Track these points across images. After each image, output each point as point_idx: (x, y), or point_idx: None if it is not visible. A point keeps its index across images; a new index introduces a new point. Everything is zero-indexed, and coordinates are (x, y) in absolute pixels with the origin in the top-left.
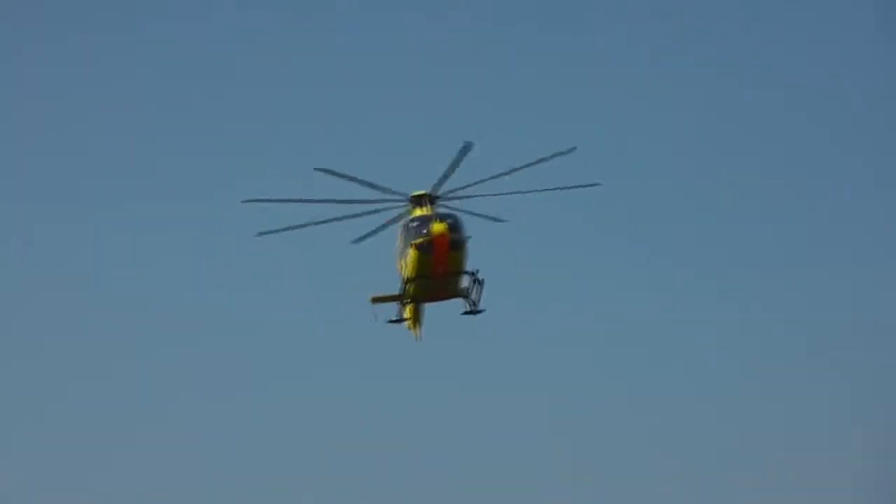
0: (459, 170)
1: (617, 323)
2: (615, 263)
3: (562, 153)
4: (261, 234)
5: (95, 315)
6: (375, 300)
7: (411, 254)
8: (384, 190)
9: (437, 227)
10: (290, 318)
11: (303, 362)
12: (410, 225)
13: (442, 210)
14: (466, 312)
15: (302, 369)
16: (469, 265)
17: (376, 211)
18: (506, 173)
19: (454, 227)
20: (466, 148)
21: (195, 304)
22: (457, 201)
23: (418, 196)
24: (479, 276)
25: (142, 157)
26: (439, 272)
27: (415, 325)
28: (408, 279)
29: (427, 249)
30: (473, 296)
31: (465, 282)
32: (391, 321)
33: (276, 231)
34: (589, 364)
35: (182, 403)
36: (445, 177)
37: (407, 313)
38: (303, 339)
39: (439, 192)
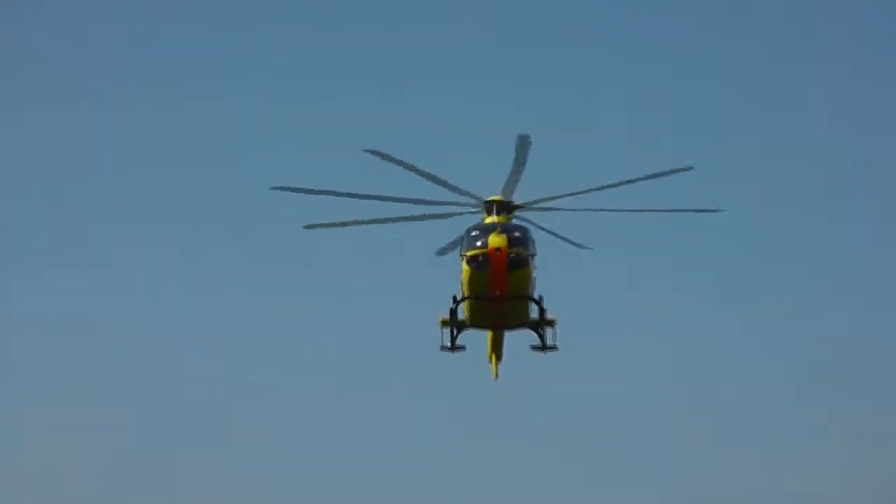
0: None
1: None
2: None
3: (679, 170)
4: (309, 226)
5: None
6: (446, 323)
7: (464, 269)
8: (456, 190)
9: (495, 240)
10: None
11: (349, 389)
12: (470, 234)
13: (518, 222)
14: (535, 347)
15: (347, 397)
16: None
17: (443, 216)
18: (610, 186)
19: (518, 240)
20: (524, 144)
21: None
22: (543, 213)
23: (491, 202)
24: (544, 304)
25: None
26: (496, 293)
27: (493, 359)
28: (461, 299)
29: (481, 265)
30: (542, 328)
31: (533, 309)
32: (444, 347)
33: (325, 225)
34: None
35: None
36: (513, 181)
37: (488, 347)
38: (353, 361)
39: (518, 201)
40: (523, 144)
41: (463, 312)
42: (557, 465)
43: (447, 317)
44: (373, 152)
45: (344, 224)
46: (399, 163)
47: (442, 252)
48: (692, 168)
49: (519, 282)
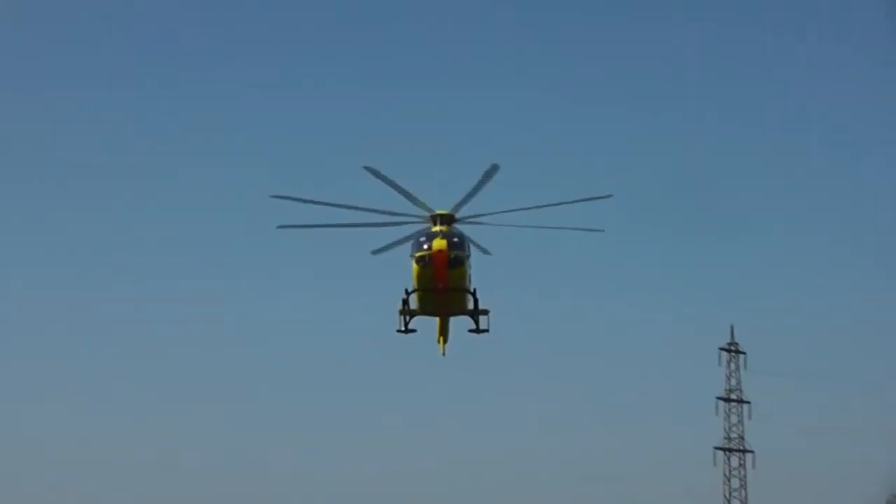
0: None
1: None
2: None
3: (597, 198)
4: (281, 226)
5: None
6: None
7: (413, 267)
8: (417, 203)
9: (437, 244)
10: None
11: (321, 362)
12: (419, 240)
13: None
14: (471, 330)
15: (320, 370)
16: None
17: (397, 224)
18: (531, 208)
19: (456, 245)
20: (492, 171)
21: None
22: (476, 226)
23: (438, 215)
24: (477, 295)
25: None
26: (439, 287)
27: (440, 340)
28: (412, 291)
29: (427, 264)
30: (476, 314)
31: (470, 300)
32: (399, 331)
33: (297, 227)
34: None
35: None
36: (468, 198)
37: (437, 331)
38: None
39: (460, 215)
40: (491, 172)
41: (414, 302)
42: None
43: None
44: (370, 170)
45: (314, 226)
46: (391, 184)
47: (377, 251)
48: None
49: (457, 277)
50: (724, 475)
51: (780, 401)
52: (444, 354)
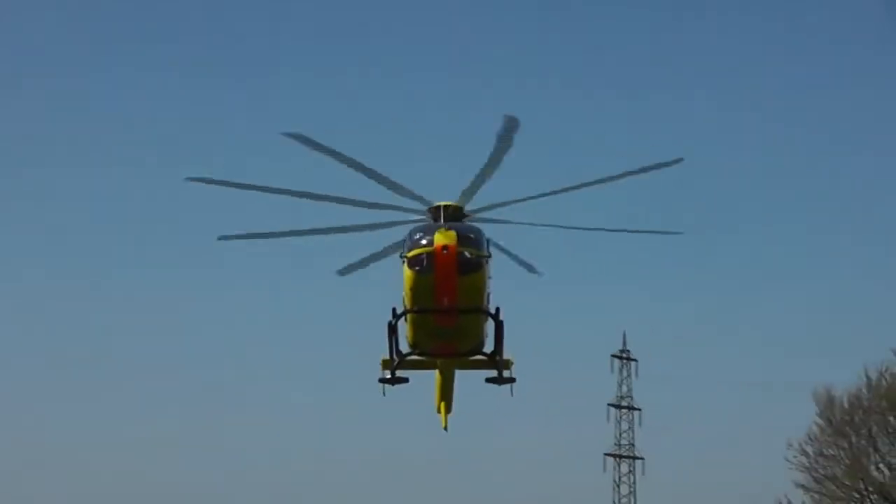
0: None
1: None
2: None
3: (666, 164)
4: (222, 237)
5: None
6: (387, 364)
7: (405, 273)
8: (399, 189)
9: (441, 236)
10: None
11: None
12: (413, 235)
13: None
14: (490, 380)
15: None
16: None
17: (383, 225)
18: (573, 187)
19: (469, 241)
20: (510, 129)
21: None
22: (495, 224)
23: (438, 207)
24: (501, 317)
25: None
26: (444, 304)
27: (441, 406)
28: (401, 313)
29: (426, 268)
30: (499, 353)
31: (489, 329)
32: (382, 380)
33: (240, 237)
34: None
35: None
36: (480, 180)
37: (437, 393)
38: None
39: (469, 208)
40: (510, 129)
41: (405, 331)
42: None
43: (387, 356)
44: (294, 136)
45: (260, 236)
46: (327, 151)
47: (345, 271)
48: (682, 160)
49: (471, 289)
50: (614, 481)
51: (670, 408)
52: (445, 428)
